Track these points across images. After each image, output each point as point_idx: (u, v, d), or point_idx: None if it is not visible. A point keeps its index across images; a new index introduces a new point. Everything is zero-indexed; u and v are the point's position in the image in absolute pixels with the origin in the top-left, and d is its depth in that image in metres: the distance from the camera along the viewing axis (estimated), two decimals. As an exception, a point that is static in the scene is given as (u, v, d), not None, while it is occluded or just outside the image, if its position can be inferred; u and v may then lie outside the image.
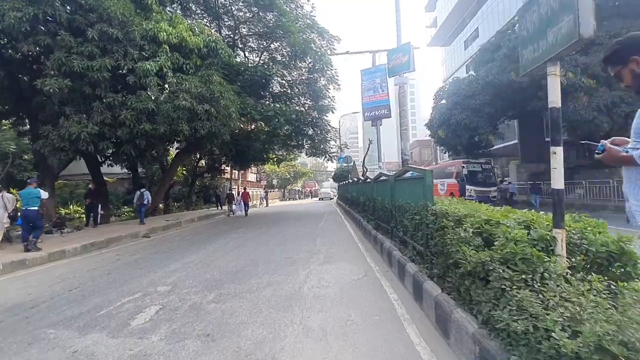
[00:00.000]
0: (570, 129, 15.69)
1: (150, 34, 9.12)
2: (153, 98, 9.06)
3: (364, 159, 18.60)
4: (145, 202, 13.03)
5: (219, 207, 22.51)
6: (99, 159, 12.71)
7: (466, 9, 46.31)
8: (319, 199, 45.09)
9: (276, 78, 18.46)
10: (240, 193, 20.90)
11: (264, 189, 27.83)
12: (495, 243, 2.39)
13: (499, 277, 2.15)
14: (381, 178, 7.31)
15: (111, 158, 12.48)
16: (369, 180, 12.13)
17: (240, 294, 4.49)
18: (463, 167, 17.49)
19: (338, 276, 5.20)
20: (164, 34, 9.12)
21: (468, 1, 45.10)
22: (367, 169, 18.41)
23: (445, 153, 29.19)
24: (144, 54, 9.15)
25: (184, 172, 22.95)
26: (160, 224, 13.34)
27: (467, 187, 16.94)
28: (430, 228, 3.88)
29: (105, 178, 23.90)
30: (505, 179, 27.22)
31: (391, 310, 3.72)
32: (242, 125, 17.35)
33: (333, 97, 18.94)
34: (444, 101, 21.14)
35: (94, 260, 7.44)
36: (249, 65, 17.54)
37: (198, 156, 21.96)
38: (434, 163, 47.42)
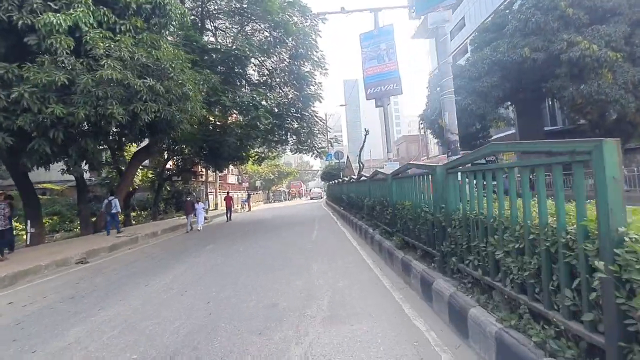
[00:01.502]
0: (594, 109, 13.74)
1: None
2: (64, 67, 6.16)
3: (359, 153, 16.12)
4: (114, 211, 11.86)
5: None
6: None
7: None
8: (310, 199, 45.91)
9: (254, 61, 15.73)
10: (223, 197, 19.54)
11: (246, 191, 24.96)
12: None
13: None
14: (418, 172, 4.78)
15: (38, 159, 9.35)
16: (363, 178, 9.75)
17: None
18: None
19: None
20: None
21: (453, -10, 43.37)
22: (363, 165, 15.97)
23: (442, 146, 27.12)
24: (51, 4, 6.27)
25: (149, 175, 19.83)
26: (108, 242, 10.45)
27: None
28: None
29: (51, 186, 20.63)
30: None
31: None
32: (210, 117, 14.53)
33: (320, 83, 16.42)
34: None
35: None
36: (220, 46, 14.74)
37: (166, 156, 18.91)
38: (424, 158, 45.74)
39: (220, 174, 37.30)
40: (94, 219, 14.28)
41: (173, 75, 7.10)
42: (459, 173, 3.43)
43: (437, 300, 3.42)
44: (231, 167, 43.79)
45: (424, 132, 43.78)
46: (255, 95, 12.09)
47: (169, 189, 23.26)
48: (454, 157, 6.36)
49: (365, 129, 15.43)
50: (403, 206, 5.19)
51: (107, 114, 6.46)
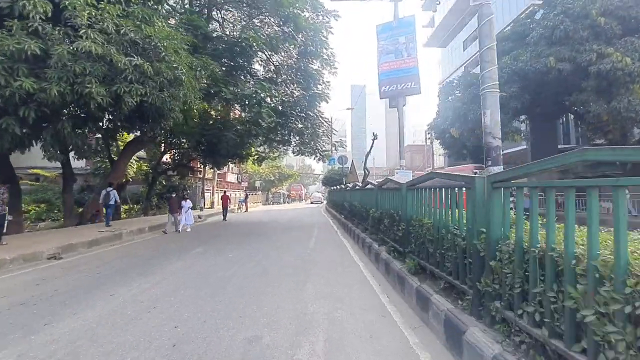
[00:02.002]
0: (616, 128, 12.89)
1: None
2: (38, 34, 5.32)
3: (365, 159, 15.24)
4: (112, 202, 11.74)
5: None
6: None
7: (466, 7, 44.06)
8: (311, 203, 46.46)
9: (260, 55, 14.99)
10: (220, 196, 18.89)
11: (244, 191, 24.12)
12: None
13: None
14: (445, 183, 3.88)
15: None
16: (370, 186, 8.90)
17: None
18: (476, 173, 14.49)
19: None
20: None
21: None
22: (369, 172, 15.11)
23: (450, 157, 26.27)
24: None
25: (144, 168, 19.05)
26: (88, 237, 9.63)
27: None
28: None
29: (42, 172, 19.87)
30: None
31: None
32: (211, 110, 13.74)
33: (328, 82, 15.64)
34: (458, 93, 18.08)
35: None
36: (225, 36, 13.99)
37: (163, 149, 18.13)
38: (429, 169, 44.87)
39: (219, 172, 36.56)
40: (80, 210, 13.49)
41: (165, 55, 6.29)
42: (513, 188, 2.58)
43: (472, 356, 2.54)
44: (231, 165, 43.15)
45: (431, 143, 42.97)
46: (258, 90, 11.28)
47: (164, 183, 22.49)
48: (495, 169, 5.40)
49: (373, 133, 14.62)
50: (421, 223, 4.32)
51: (85, 93, 5.64)
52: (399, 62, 8.60)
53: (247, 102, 11.08)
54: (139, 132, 12.09)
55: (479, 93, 11.33)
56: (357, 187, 11.22)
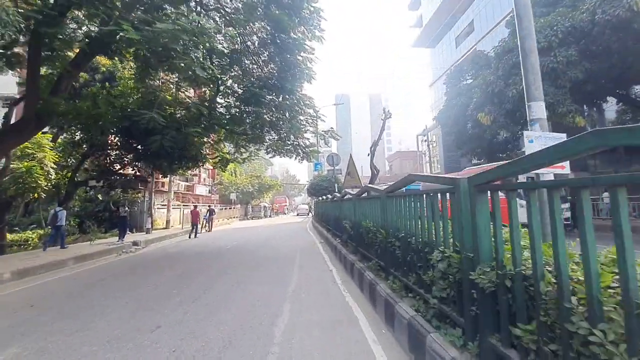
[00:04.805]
0: None
1: None
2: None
3: (372, 153, 10.60)
4: (59, 224, 10.97)
5: (121, 237, 13.52)
6: None
7: (456, 3, 41.26)
8: (297, 214, 46.58)
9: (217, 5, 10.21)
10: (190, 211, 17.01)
11: (208, 206, 19.03)
12: None
13: None
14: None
15: None
16: (386, 191, 4.44)
17: None
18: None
19: None
20: None
21: (457, -5, 39.96)
22: (378, 170, 10.43)
23: (463, 157, 21.97)
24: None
25: (56, 177, 13.77)
26: None
27: (521, 202, 9.55)
28: None
29: None
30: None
31: None
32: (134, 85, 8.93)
33: (312, 50, 11.05)
34: (469, 78, 13.79)
35: None
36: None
37: (84, 153, 12.98)
38: (437, 172, 41.00)
39: (187, 184, 31.18)
40: None
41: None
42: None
43: None
44: (203, 176, 37.69)
45: (428, 145, 39.04)
46: (198, 21, 6.51)
47: (100, 198, 17.17)
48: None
49: (384, 108, 10.04)
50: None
51: None
52: None
53: (174, 56, 6.32)
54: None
55: (519, 60, 6.81)
56: (363, 195, 6.53)
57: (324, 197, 16.05)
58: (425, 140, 35.12)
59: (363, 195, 6.44)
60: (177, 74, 7.23)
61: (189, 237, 16.10)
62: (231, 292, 5.67)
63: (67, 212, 12.49)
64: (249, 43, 11.89)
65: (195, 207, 17.68)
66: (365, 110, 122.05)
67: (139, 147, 12.02)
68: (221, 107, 11.91)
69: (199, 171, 33.67)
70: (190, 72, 6.52)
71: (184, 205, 24.47)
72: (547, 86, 10.88)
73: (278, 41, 10.93)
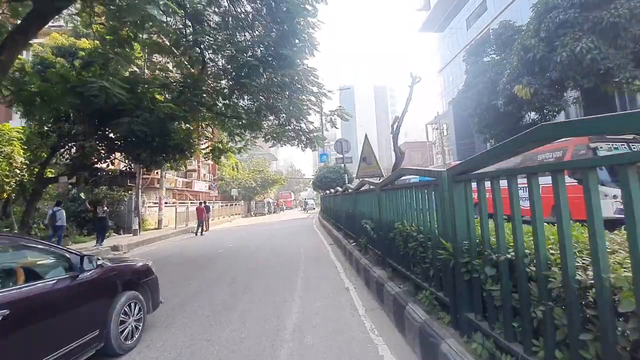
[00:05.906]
0: None
1: None
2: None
3: (397, 129, 8.57)
4: (59, 224, 10.60)
5: (99, 241, 11.81)
6: None
7: (466, -17, 38.57)
8: (304, 209, 45.87)
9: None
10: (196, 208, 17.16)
11: (199, 203, 17.21)
12: None
13: None
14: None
15: None
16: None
17: None
18: (592, 147, 7.96)
19: None
20: None
21: (468, -25, 37.20)
22: (403, 153, 8.39)
23: (489, 141, 19.76)
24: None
25: (18, 174, 12.05)
26: None
27: (605, 189, 7.48)
28: None
29: None
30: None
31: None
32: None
33: (315, 10, 9.03)
34: (491, 52, 11.58)
35: None
36: None
37: (54, 145, 11.21)
38: (431, 167, 38.78)
39: (185, 180, 29.45)
40: None
41: None
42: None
43: None
44: (203, 171, 35.85)
45: (440, 133, 36.81)
46: None
47: (83, 197, 15.45)
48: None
49: (411, 73, 8.02)
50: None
51: None
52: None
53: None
54: None
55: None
56: (387, 187, 4.59)
57: (332, 190, 14.13)
58: (436, 129, 32.83)
59: (395, 184, 4.47)
60: (128, 20, 5.30)
61: (195, 235, 16.07)
62: (238, 292, 3.79)
63: (32, 212, 10.79)
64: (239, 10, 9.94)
65: (201, 203, 17.57)
66: (371, 102, 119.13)
67: (110, 134, 10.21)
68: (210, 88, 10.01)
69: (198, 166, 31.86)
70: (142, 13, 4.58)
71: (179, 203, 22.75)
72: (604, 47, 8.75)
73: (272, 3, 8.96)
